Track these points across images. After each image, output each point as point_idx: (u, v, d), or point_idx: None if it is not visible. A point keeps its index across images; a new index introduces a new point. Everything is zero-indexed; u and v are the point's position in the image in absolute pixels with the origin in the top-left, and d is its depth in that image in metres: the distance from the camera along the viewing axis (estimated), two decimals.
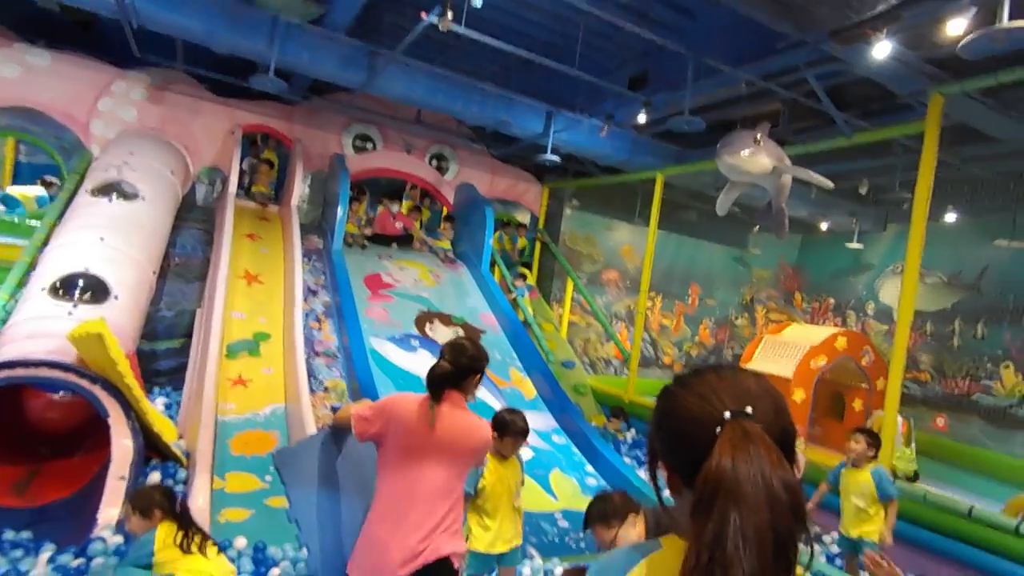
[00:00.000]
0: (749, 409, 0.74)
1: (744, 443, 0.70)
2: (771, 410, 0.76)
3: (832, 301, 9.93)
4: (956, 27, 3.42)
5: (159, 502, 2.43)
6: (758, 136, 4.29)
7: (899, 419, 4.93)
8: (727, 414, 0.74)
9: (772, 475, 0.68)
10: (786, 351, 6.24)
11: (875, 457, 3.42)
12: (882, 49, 3.73)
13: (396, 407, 1.95)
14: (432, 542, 1.83)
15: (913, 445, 4.94)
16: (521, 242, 8.48)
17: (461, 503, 1.99)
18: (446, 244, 7.49)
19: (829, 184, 4.72)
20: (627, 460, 5.40)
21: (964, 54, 3.14)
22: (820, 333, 6.33)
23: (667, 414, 0.81)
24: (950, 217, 7.48)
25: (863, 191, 7.25)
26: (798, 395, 5.83)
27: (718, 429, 0.73)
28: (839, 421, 6.41)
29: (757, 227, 9.99)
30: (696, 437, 0.74)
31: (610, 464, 4.84)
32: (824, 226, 9.52)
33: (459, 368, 1.95)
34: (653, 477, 0.83)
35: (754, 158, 4.25)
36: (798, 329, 6.86)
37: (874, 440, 3.39)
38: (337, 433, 2.19)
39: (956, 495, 4.09)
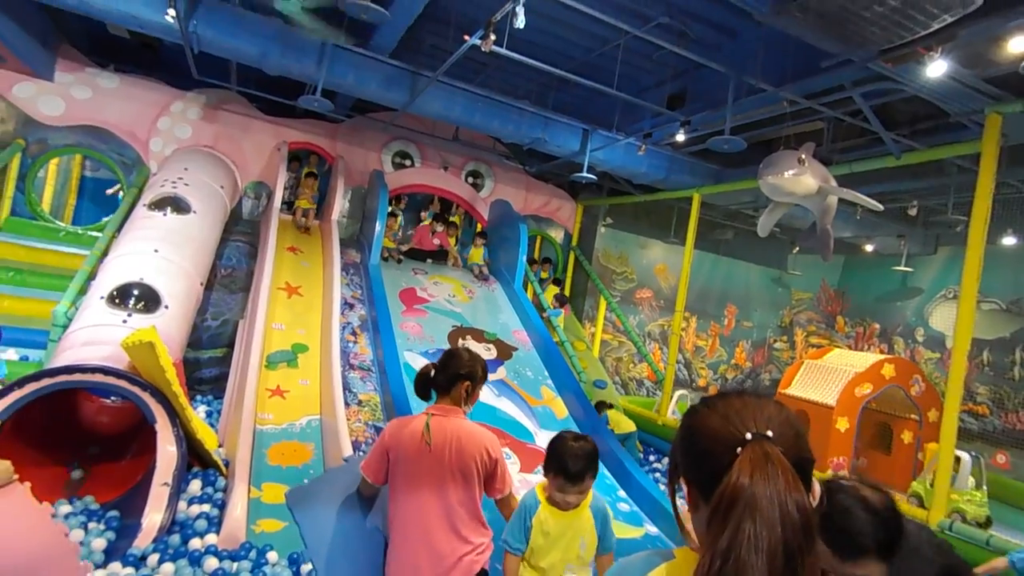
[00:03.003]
0: (770, 432, 0.78)
1: (764, 462, 0.73)
2: (791, 436, 0.80)
3: (877, 326, 9.51)
4: (1019, 45, 3.28)
5: None
6: (802, 156, 4.19)
7: (966, 457, 4.58)
8: (748, 435, 0.77)
9: (787, 495, 0.71)
10: (828, 377, 5.99)
11: None
12: (937, 68, 3.60)
13: (390, 436, 1.92)
14: (461, 565, 1.80)
15: (984, 487, 4.57)
16: (544, 275, 8.48)
17: (485, 529, 1.90)
18: (480, 260, 7.55)
19: (878, 206, 4.55)
20: (662, 487, 5.25)
21: None
22: (865, 359, 6.05)
23: (692, 431, 0.85)
24: (1009, 240, 7.10)
25: (912, 212, 6.96)
26: (841, 424, 5.57)
27: (739, 449, 0.76)
28: (886, 453, 6.08)
29: (797, 248, 9.70)
30: (718, 455, 0.78)
31: (642, 488, 4.72)
32: (869, 248, 9.18)
33: (446, 373, 1.91)
34: (672, 490, 0.87)
35: (798, 179, 4.15)
36: (841, 354, 6.57)
37: None
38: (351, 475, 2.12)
39: (1021, 540, 3.81)
